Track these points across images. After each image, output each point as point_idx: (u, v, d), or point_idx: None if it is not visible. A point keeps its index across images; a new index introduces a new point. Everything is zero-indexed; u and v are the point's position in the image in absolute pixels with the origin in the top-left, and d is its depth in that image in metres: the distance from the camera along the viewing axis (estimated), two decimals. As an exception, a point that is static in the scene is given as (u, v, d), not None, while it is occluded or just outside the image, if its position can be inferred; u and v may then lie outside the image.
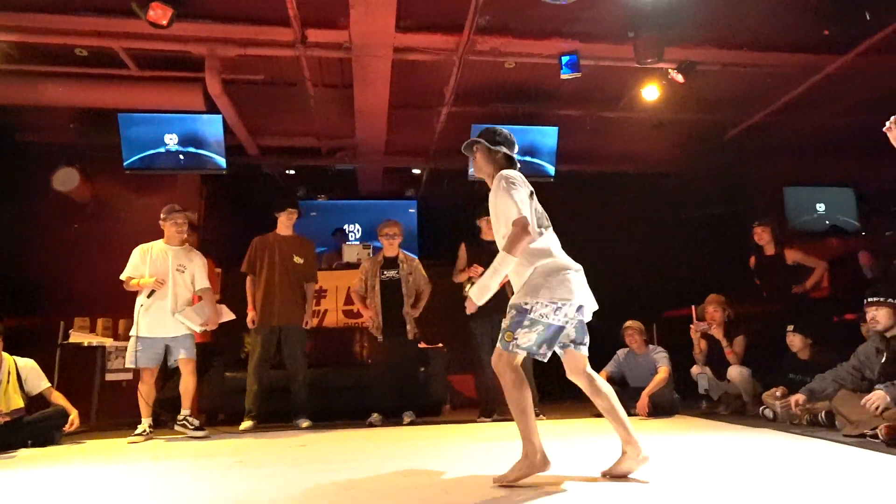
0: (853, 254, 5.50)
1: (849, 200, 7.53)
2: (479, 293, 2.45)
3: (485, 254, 4.78)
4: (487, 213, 4.77)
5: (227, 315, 4.55)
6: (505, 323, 2.42)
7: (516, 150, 2.67)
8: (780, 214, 7.01)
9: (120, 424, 4.62)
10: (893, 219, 7.26)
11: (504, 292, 4.71)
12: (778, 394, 3.98)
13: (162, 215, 4.35)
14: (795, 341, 4.30)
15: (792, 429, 3.77)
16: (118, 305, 5.31)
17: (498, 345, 2.43)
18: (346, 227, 8.04)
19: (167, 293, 4.18)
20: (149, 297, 4.13)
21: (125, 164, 5.71)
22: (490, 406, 4.72)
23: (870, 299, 3.43)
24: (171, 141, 5.76)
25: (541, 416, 4.69)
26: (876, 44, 4.78)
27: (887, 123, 2.39)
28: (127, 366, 4.15)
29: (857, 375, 3.52)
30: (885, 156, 7.18)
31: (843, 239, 5.83)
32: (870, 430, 3.18)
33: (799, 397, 3.63)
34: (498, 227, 2.54)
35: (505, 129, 2.66)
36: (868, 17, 4.41)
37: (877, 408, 3.09)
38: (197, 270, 4.37)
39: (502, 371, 2.41)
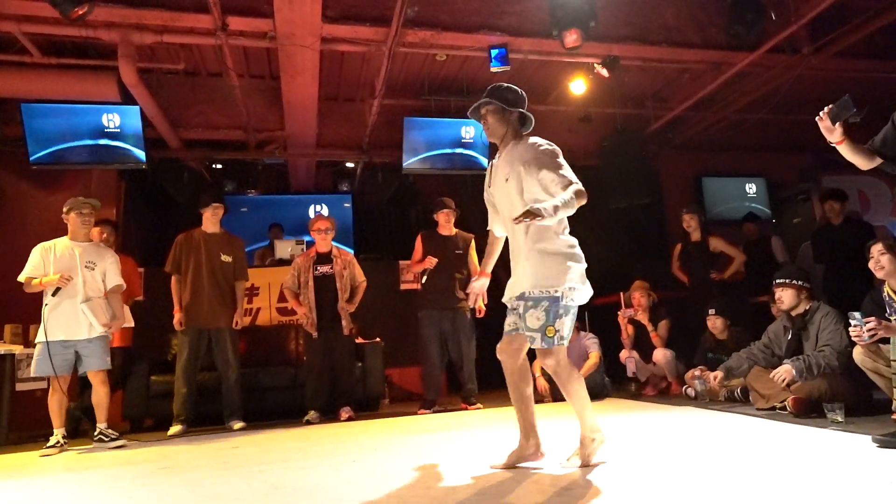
0: (767, 239, 5.83)
1: (762, 190, 8.04)
2: (552, 210, 2.13)
3: (440, 247, 4.79)
4: (444, 207, 4.80)
5: (128, 321, 4.32)
6: (537, 319, 2.23)
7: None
8: (699, 204, 7.39)
9: (36, 437, 4.32)
10: (800, 207, 7.83)
11: (452, 287, 4.76)
12: (697, 373, 4.21)
13: (64, 208, 3.98)
14: (717, 323, 4.54)
15: (711, 405, 4.01)
16: (27, 310, 4.95)
17: (541, 345, 2.24)
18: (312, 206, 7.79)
19: (77, 292, 3.84)
20: (53, 295, 3.79)
21: (31, 158, 5.31)
22: (432, 398, 4.74)
23: (777, 281, 3.67)
24: (112, 123, 5.39)
25: (478, 405, 4.76)
26: (780, 42, 5.11)
27: (821, 112, 2.53)
28: (34, 374, 3.81)
29: (767, 353, 3.77)
30: (791, 149, 7.70)
31: (759, 224, 6.16)
32: (779, 403, 3.43)
33: (718, 374, 3.85)
34: (516, 197, 2.33)
35: (514, 86, 2.47)
36: (773, 17, 4.72)
37: (783, 380, 3.33)
38: (109, 267, 4.04)
39: (559, 371, 2.26)
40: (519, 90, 2.48)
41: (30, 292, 3.86)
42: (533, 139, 2.39)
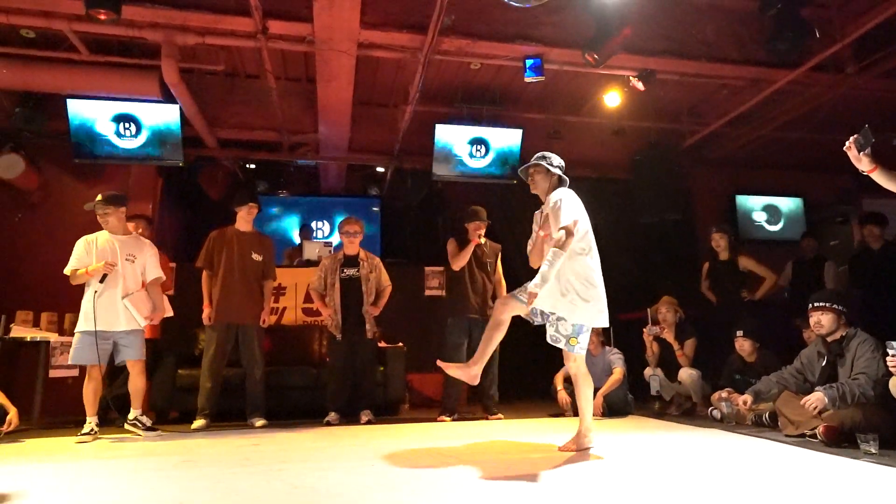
0: (821, 260, 5.54)
1: (798, 210, 7.85)
2: (540, 282, 2.81)
3: (472, 254, 4.80)
4: (475, 219, 4.77)
5: (168, 311, 4.42)
6: (565, 330, 3.04)
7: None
8: (730, 222, 7.25)
9: (65, 423, 4.44)
10: (839, 229, 7.61)
11: (483, 295, 4.74)
12: (724, 395, 4.11)
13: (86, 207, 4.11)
14: (745, 346, 4.43)
15: (738, 429, 3.91)
16: (64, 299, 5.10)
17: (565, 348, 3.06)
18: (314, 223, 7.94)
19: (118, 284, 3.97)
20: (101, 282, 3.90)
21: (74, 152, 5.48)
22: (451, 405, 4.73)
23: (815, 304, 3.56)
24: (127, 129, 5.57)
25: (499, 415, 4.73)
26: (823, 61, 4.99)
27: (847, 143, 2.54)
28: (72, 362, 3.93)
29: (799, 378, 3.66)
30: (831, 170, 7.46)
31: (816, 242, 5.82)
32: (809, 431, 3.33)
33: (746, 397, 3.75)
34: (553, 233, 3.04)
35: (557, 155, 3.25)
36: (817, 35, 4.61)
37: (815, 408, 3.23)
38: (149, 260, 4.18)
39: (578, 373, 3.08)
40: (559, 159, 3.23)
41: (76, 284, 3.98)
42: (553, 194, 3.11)
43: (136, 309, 4.02)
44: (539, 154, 3.22)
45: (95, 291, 3.90)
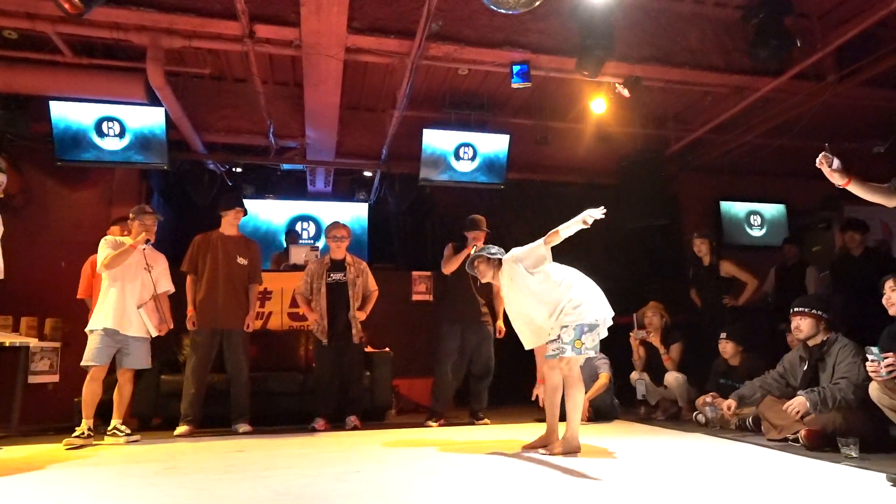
0: (803, 265, 5.58)
1: (781, 216, 7.95)
2: (565, 229, 3.10)
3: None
4: (474, 228, 4.75)
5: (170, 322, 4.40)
6: (567, 336, 3.12)
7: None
8: (715, 228, 7.33)
9: (45, 430, 4.36)
10: (821, 235, 7.70)
11: (478, 302, 4.73)
12: (709, 399, 4.15)
13: (130, 215, 4.17)
14: (728, 348, 4.48)
15: (722, 433, 3.94)
16: (44, 304, 5.04)
17: (568, 354, 3.09)
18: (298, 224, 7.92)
19: (136, 290, 4.04)
20: (147, 242, 4.03)
21: (57, 155, 5.41)
22: (440, 410, 4.72)
23: (795, 309, 3.61)
24: (111, 131, 5.52)
25: (485, 420, 4.73)
26: (805, 69, 5.08)
27: (818, 159, 2.63)
28: (92, 363, 3.83)
29: (782, 383, 3.70)
30: (814, 176, 7.54)
31: (799, 247, 5.85)
32: (791, 435, 3.37)
33: (730, 402, 3.79)
34: (528, 298, 3.27)
35: (493, 245, 3.54)
36: (799, 44, 4.69)
37: (797, 413, 3.27)
38: (162, 272, 4.24)
39: (570, 375, 3.12)
40: (497, 247, 3.51)
41: (113, 268, 3.94)
42: (504, 261, 3.37)
43: (149, 318, 4.06)
44: (480, 248, 3.61)
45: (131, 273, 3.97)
